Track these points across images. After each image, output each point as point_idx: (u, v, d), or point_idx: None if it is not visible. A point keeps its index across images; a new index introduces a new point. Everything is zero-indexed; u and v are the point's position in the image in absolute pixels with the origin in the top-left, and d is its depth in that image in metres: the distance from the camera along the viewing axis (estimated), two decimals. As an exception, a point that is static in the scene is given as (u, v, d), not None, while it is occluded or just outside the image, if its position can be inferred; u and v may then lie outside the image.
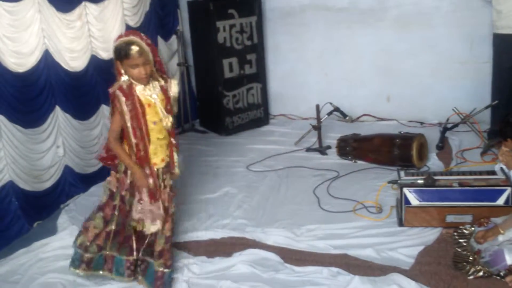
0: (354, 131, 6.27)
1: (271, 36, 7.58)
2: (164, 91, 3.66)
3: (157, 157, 3.72)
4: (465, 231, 3.89)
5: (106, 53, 5.97)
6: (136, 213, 3.73)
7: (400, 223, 4.40)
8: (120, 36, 3.54)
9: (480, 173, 4.46)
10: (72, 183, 5.50)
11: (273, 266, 3.98)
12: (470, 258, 3.67)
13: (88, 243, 3.80)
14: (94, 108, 5.85)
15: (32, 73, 4.94)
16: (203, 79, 7.46)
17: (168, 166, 3.83)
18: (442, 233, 4.20)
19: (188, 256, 4.19)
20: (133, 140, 3.57)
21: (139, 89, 3.55)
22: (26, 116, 4.88)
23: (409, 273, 3.72)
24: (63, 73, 5.34)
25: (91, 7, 5.68)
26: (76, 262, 3.86)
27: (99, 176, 5.82)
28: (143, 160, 3.62)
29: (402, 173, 4.56)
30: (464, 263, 3.68)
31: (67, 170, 5.43)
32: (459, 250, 3.78)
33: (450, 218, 4.23)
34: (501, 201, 4.14)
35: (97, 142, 5.86)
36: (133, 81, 3.53)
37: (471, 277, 3.61)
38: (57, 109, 5.28)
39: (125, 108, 3.49)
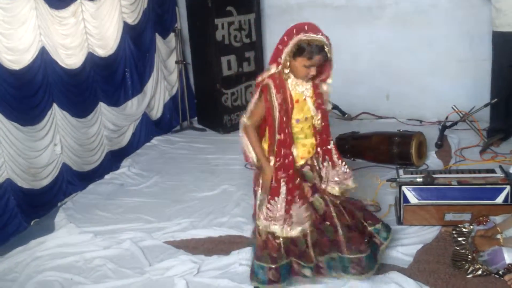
0: (353, 129, 6.25)
1: (269, 34, 7.56)
2: (315, 87, 3.40)
3: (303, 151, 3.44)
4: (464, 230, 3.88)
5: (103, 51, 5.97)
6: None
7: (399, 222, 4.39)
8: (300, 29, 3.16)
9: (479, 171, 4.45)
10: (70, 181, 5.49)
11: (272, 265, 3.96)
12: (469, 256, 3.66)
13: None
14: (91, 105, 5.85)
15: (28, 71, 4.93)
16: (201, 76, 7.44)
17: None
18: (441, 232, 4.19)
19: (185, 254, 4.17)
20: (278, 137, 3.28)
21: (291, 82, 3.31)
22: (23, 114, 4.86)
23: (408, 272, 3.71)
24: (60, 70, 5.32)
25: (88, 4, 5.67)
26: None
27: (97, 174, 5.84)
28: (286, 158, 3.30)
29: (401, 171, 4.54)
30: (463, 262, 3.67)
31: (65, 168, 5.42)
32: (458, 248, 3.77)
33: (449, 217, 4.22)
34: (500, 199, 4.14)
35: (95, 140, 5.86)
36: (286, 74, 3.26)
37: (469, 275, 3.60)
38: (55, 106, 5.27)
39: (275, 102, 3.24)
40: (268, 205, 3.31)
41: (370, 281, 3.60)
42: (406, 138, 5.41)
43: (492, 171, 4.40)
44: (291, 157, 3.32)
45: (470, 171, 4.49)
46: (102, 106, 6.02)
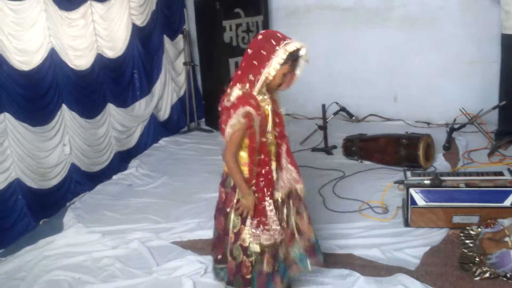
0: (360, 131, 6.25)
1: (277, 36, 7.56)
2: (273, 100, 3.22)
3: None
4: (471, 232, 3.88)
5: (112, 52, 6.00)
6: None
7: (406, 224, 4.39)
8: (278, 39, 3.02)
9: (487, 174, 4.44)
10: (78, 181, 5.51)
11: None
12: (477, 259, 3.66)
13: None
14: (100, 106, 5.87)
15: (38, 72, 4.96)
16: (209, 78, 7.45)
17: None
18: (448, 234, 4.19)
19: (193, 254, 4.18)
20: (259, 157, 3.12)
21: (260, 99, 3.08)
22: (32, 114, 4.90)
23: (415, 274, 3.71)
24: (69, 71, 5.36)
25: (97, 6, 5.70)
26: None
27: (105, 174, 5.86)
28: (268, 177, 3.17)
29: (408, 173, 4.54)
30: (471, 264, 3.66)
31: (73, 168, 5.44)
32: (465, 251, 3.77)
33: (456, 219, 4.22)
34: (508, 202, 4.12)
35: (103, 141, 5.88)
36: (257, 91, 3.04)
37: (477, 278, 3.59)
38: (64, 107, 5.30)
39: (258, 128, 3.03)
40: (265, 227, 3.16)
41: (377, 283, 3.61)
42: (413, 140, 5.41)
43: (500, 173, 4.39)
44: (270, 175, 3.20)
45: (478, 174, 4.48)
46: (110, 107, 6.05)
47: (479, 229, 3.86)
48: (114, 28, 6.06)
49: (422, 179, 4.36)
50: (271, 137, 3.19)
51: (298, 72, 3.16)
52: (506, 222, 3.82)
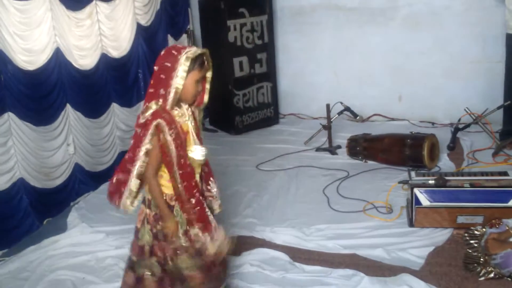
0: (365, 131, 6.24)
1: (281, 35, 7.58)
2: (193, 114, 3.18)
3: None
4: (476, 232, 3.87)
5: (116, 52, 6.00)
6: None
7: (411, 224, 4.38)
8: (177, 49, 3.04)
9: (492, 174, 4.43)
10: (82, 181, 5.51)
11: (282, 266, 3.97)
12: (481, 259, 3.65)
13: None
14: (105, 106, 5.87)
15: (43, 71, 4.96)
16: (213, 78, 7.40)
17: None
18: (453, 234, 4.18)
19: (197, 254, 4.18)
20: (179, 172, 3.01)
21: (177, 114, 3.03)
22: (36, 114, 4.90)
23: (419, 274, 3.70)
24: (74, 71, 5.35)
25: (102, 6, 5.70)
26: None
27: (109, 174, 5.81)
28: (191, 190, 3.07)
29: (413, 173, 4.53)
30: (475, 265, 3.66)
31: (78, 168, 5.45)
32: (470, 251, 3.77)
33: (461, 219, 4.21)
34: (512, 202, 4.12)
35: (108, 140, 5.88)
36: (170, 104, 2.97)
37: (482, 278, 3.59)
38: (68, 107, 5.30)
39: (168, 138, 2.94)
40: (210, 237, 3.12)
41: (382, 283, 3.60)
42: (418, 140, 5.40)
43: (505, 173, 4.38)
44: (196, 188, 3.12)
45: (482, 174, 4.47)
46: (115, 107, 6.05)
47: (484, 229, 3.85)
48: (119, 28, 6.06)
49: (427, 179, 4.36)
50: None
51: (208, 75, 3.19)
52: (511, 222, 3.80)
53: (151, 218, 3.15)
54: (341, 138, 6.36)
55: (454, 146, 5.92)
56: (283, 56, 7.65)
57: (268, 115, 7.47)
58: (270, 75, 7.40)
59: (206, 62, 3.11)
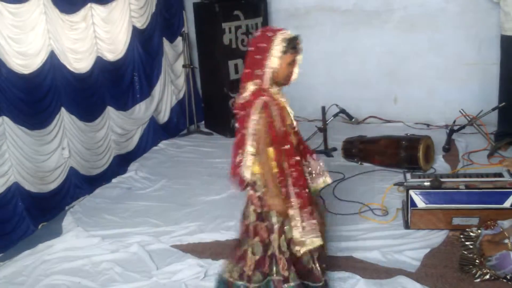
0: (360, 133, 6.25)
1: (277, 38, 7.57)
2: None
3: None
4: (471, 234, 3.88)
5: (112, 55, 6.00)
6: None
7: (406, 226, 4.38)
8: (273, 30, 3.11)
9: (487, 175, 4.44)
10: (77, 184, 5.51)
11: (278, 269, 3.96)
12: (477, 261, 3.66)
13: (251, 272, 3.27)
14: (99, 109, 5.87)
15: (38, 75, 4.96)
16: (208, 80, 7.45)
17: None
18: (448, 236, 4.18)
19: (193, 258, 4.18)
20: (284, 148, 3.11)
21: (272, 91, 3.16)
22: (31, 118, 4.89)
23: (415, 276, 3.70)
24: (69, 74, 5.35)
25: (98, 9, 5.70)
26: None
27: (104, 178, 5.86)
28: (296, 166, 3.14)
29: (408, 175, 4.54)
30: (471, 266, 3.66)
31: (72, 172, 5.44)
32: (465, 252, 3.77)
33: (456, 221, 4.21)
34: (508, 203, 4.12)
35: (103, 144, 5.87)
36: (268, 84, 3.11)
37: (477, 280, 3.59)
38: (63, 110, 5.29)
39: (277, 116, 3.09)
40: (307, 222, 3.13)
41: (378, 285, 3.60)
42: (413, 142, 5.40)
43: (500, 175, 4.39)
44: (299, 165, 3.19)
45: (477, 175, 4.48)
46: (110, 110, 6.04)
47: (479, 231, 3.86)
48: (115, 31, 6.06)
49: (422, 181, 4.36)
50: (291, 131, 3.23)
51: (299, 58, 3.21)
52: (505, 223, 3.81)
53: (255, 200, 3.25)
54: (337, 140, 6.35)
55: (449, 147, 5.93)
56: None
57: (264, 117, 7.45)
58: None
59: (298, 45, 3.15)
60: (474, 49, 6.61)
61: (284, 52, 3.07)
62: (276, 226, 3.19)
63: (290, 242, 3.19)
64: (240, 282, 3.30)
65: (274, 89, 3.17)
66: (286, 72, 3.16)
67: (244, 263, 3.28)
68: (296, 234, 3.13)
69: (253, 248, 3.26)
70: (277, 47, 3.05)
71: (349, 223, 4.59)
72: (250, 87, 3.15)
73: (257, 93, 3.10)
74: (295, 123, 3.27)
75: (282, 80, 3.19)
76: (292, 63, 3.16)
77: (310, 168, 3.39)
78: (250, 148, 3.13)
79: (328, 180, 3.43)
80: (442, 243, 4.12)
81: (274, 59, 3.07)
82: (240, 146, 3.21)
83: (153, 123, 6.91)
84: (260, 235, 3.24)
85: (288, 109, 3.24)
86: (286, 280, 3.21)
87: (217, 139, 7.24)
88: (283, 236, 3.19)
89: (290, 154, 3.14)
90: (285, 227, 3.18)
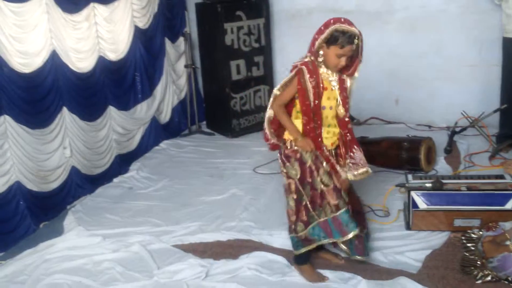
0: (362, 134, 6.23)
1: (278, 38, 7.58)
2: (341, 81, 3.66)
3: (327, 140, 3.69)
4: (473, 235, 3.88)
5: (114, 54, 6.00)
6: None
7: (408, 227, 4.38)
8: (336, 20, 3.52)
9: (489, 177, 4.44)
10: (79, 184, 5.51)
11: (280, 269, 3.97)
12: (478, 262, 3.65)
13: (293, 226, 3.77)
14: (101, 109, 5.87)
15: (39, 74, 4.96)
16: (210, 81, 7.45)
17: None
18: (450, 237, 4.18)
19: (194, 258, 4.18)
20: (308, 117, 3.58)
21: (323, 71, 3.57)
22: (32, 117, 4.89)
23: (417, 277, 3.70)
24: (71, 74, 5.35)
25: (100, 8, 5.71)
26: (298, 246, 3.79)
27: (106, 177, 5.86)
28: (315, 138, 3.61)
29: (409, 176, 4.54)
30: (472, 268, 3.66)
31: (74, 171, 5.44)
32: (467, 254, 3.77)
33: (458, 222, 4.21)
34: (509, 205, 4.11)
35: (104, 143, 5.87)
36: (319, 63, 3.56)
37: (479, 281, 3.59)
38: (64, 110, 5.30)
39: (308, 85, 3.51)
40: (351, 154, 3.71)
41: (379, 286, 3.60)
42: (415, 143, 5.40)
43: (502, 177, 4.40)
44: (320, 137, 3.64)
45: (479, 177, 4.48)
46: (111, 110, 6.05)
47: (481, 233, 3.85)
48: (117, 31, 6.06)
49: (424, 182, 4.36)
50: (329, 116, 3.65)
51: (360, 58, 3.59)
52: (507, 225, 3.81)
53: (281, 162, 3.80)
54: (338, 141, 6.35)
55: (451, 149, 5.92)
56: (280, 59, 7.64)
57: (265, 118, 7.46)
58: (267, 78, 7.40)
59: (351, 44, 3.46)
60: (475, 50, 6.59)
61: (329, 43, 3.47)
62: (310, 164, 3.63)
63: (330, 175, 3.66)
64: (291, 235, 3.81)
65: (326, 70, 3.58)
66: (334, 62, 3.51)
67: (289, 218, 3.79)
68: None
69: (290, 204, 3.75)
70: (324, 34, 3.46)
71: (350, 224, 4.58)
72: (306, 58, 3.58)
73: (303, 63, 3.54)
74: (340, 108, 3.67)
75: (331, 68, 3.57)
76: (345, 56, 3.49)
77: (355, 157, 3.76)
78: (270, 102, 3.70)
79: (368, 170, 3.78)
80: (444, 245, 4.12)
81: (319, 41, 3.48)
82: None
83: (154, 123, 6.91)
84: (291, 191, 3.72)
85: (333, 87, 3.61)
86: (337, 207, 3.62)
87: (219, 139, 7.24)
88: (321, 169, 3.63)
89: (312, 128, 3.59)
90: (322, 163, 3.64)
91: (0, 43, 4.55)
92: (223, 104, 7.14)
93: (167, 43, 7.15)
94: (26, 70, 4.82)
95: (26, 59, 4.82)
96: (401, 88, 7.09)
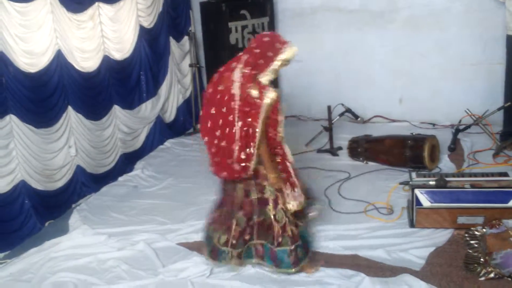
0: (366, 132, 6.25)
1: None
2: None
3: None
4: (476, 233, 3.89)
5: (119, 54, 6.01)
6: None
7: (411, 224, 4.38)
8: (282, 40, 3.71)
9: (492, 174, 4.44)
10: (84, 183, 5.53)
11: (284, 267, 3.97)
12: (481, 259, 3.66)
13: (235, 241, 3.85)
14: (106, 108, 5.89)
15: (44, 73, 4.99)
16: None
17: None
18: (453, 235, 4.18)
19: (198, 256, 4.19)
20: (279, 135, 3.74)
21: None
22: (38, 116, 4.92)
23: (420, 274, 3.71)
24: (76, 73, 5.38)
25: (106, 8, 5.73)
26: (227, 258, 3.90)
27: (111, 176, 5.88)
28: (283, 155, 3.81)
29: (413, 174, 4.53)
30: (475, 265, 3.66)
31: (79, 170, 5.46)
32: (470, 251, 3.78)
33: (461, 220, 4.21)
34: (513, 202, 4.12)
35: (109, 142, 5.90)
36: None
37: (482, 278, 3.59)
38: (70, 109, 5.32)
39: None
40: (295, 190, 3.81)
41: (382, 283, 3.61)
42: (419, 141, 5.40)
43: (505, 174, 4.39)
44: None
45: (483, 175, 4.48)
46: (116, 109, 6.07)
47: (484, 230, 3.86)
48: (123, 30, 6.09)
49: (427, 180, 4.36)
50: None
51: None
52: (510, 222, 3.82)
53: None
54: (342, 140, 6.36)
55: (454, 147, 5.92)
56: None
57: (269, 117, 7.47)
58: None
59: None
60: (479, 48, 6.59)
61: (281, 66, 3.66)
62: (270, 198, 3.78)
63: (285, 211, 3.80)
64: (225, 248, 3.86)
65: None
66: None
67: (230, 233, 3.83)
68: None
69: (237, 220, 3.82)
70: (277, 62, 3.62)
71: (354, 221, 4.60)
72: (265, 78, 3.63)
73: (264, 87, 3.59)
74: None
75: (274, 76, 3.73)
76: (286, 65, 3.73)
77: None
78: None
79: None
80: (447, 242, 4.12)
81: (272, 70, 3.63)
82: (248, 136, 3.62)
83: (159, 122, 6.93)
84: (244, 209, 3.81)
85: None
86: (279, 244, 3.77)
87: (223, 138, 7.24)
88: (278, 206, 3.78)
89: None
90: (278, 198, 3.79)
91: (6, 42, 4.58)
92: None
93: (172, 42, 7.17)
94: (32, 69, 4.85)
95: (32, 59, 4.85)
96: (405, 87, 7.09)
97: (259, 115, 3.55)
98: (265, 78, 3.61)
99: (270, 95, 3.56)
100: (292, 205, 3.78)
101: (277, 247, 3.78)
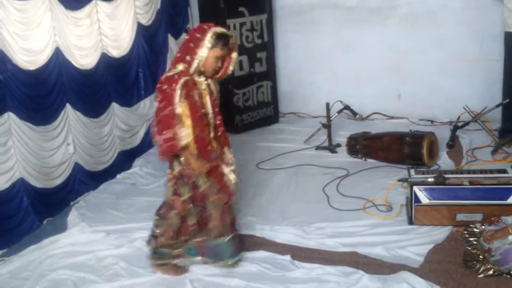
0: (364, 129, 6.25)
1: (281, 34, 7.58)
2: (210, 87, 3.77)
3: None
4: (475, 230, 3.89)
5: (117, 51, 6.00)
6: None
7: (410, 222, 4.39)
8: (209, 25, 3.58)
9: (491, 171, 4.45)
10: (82, 180, 5.52)
11: (282, 264, 3.98)
12: (480, 256, 3.66)
13: (173, 241, 3.87)
14: (104, 105, 5.88)
15: (43, 71, 4.97)
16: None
17: None
18: (452, 232, 4.19)
19: (197, 253, 4.19)
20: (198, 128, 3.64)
21: (197, 79, 3.62)
22: (36, 114, 4.91)
23: (419, 272, 3.71)
24: (74, 70, 5.36)
25: (103, 5, 5.71)
26: (166, 258, 3.94)
27: (109, 173, 5.87)
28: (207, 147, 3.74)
29: (412, 171, 4.54)
30: (474, 262, 3.67)
31: (77, 168, 5.46)
32: (469, 248, 3.78)
33: (460, 217, 4.21)
34: (511, 199, 4.11)
35: (107, 140, 5.89)
36: (193, 70, 3.56)
37: (481, 275, 3.59)
38: (68, 106, 5.31)
39: (195, 96, 3.59)
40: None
41: (381, 281, 3.61)
42: (417, 138, 5.41)
43: (504, 171, 4.40)
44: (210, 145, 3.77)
45: (481, 171, 4.49)
46: (114, 106, 6.06)
47: (483, 227, 3.87)
48: (120, 27, 6.07)
49: (426, 177, 4.37)
50: (210, 117, 3.74)
51: (233, 55, 3.71)
52: (509, 219, 3.82)
53: (171, 178, 3.81)
54: (341, 137, 6.37)
55: (453, 144, 5.93)
56: (282, 55, 7.66)
57: (268, 114, 7.48)
58: (270, 74, 7.41)
59: (229, 44, 3.60)
60: (477, 45, 6.60)
61: (213, 46, 3.52)
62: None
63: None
64: (163, 250, 3.88)
65: (198, 78, 3.61)
66: (213, 65, 3.61)
67: (167, 234, 3.83)
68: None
69: (172, 220, 3.81)
70: (208, 39, 3.49)
71: (353, 219, 4.60)
72: (179, 67, 3.54)
73: (182, 74, 3.50)
74: (210, 114, 3.74)
75: (208, 72, 3.65)
76: (220, 58, 3.61)
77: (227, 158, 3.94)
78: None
79: (232, 177, 3.92)
80: (446, 239, 4.12)
81: (204, 49, 3.50)
82: (167, 121, 3.53)
83: (157, 119, 6.91)
84: (176, 208, 3.79)
85: (207, 99, 3.71)
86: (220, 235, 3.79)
87: (222, 135, 7.24)
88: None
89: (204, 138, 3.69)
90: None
91: (5, 40, 4.56)
92: (226, 100, 7.11)
93: (170, 39, 7.15)
94: (31, 67, 4.83)
95: (31, 56, 4.84)
96: (403, 83, 7.10)
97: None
98: (193, 64, 3.54)
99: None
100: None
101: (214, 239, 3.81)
